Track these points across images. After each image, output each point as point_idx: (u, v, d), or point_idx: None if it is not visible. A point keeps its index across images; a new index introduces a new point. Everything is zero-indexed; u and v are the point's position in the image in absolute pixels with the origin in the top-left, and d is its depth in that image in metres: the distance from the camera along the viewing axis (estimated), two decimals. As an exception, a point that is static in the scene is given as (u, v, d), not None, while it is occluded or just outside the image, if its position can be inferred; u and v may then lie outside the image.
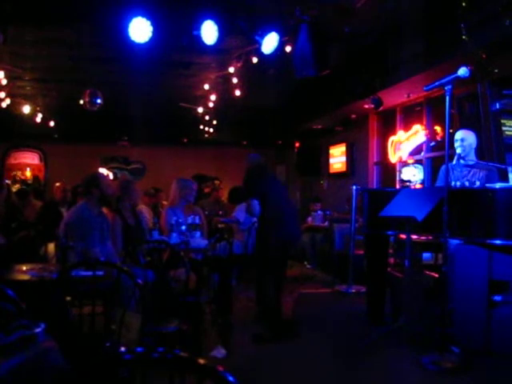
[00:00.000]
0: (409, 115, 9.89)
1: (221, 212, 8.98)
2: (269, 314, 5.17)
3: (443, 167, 5.10)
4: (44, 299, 3.17)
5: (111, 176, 14.99)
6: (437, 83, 4.13)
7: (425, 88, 4.41)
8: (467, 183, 4.89)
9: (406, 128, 9.79)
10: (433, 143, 9.18)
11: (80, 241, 4.30)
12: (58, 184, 8.66)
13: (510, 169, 4.55)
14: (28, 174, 15.40)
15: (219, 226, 8.06)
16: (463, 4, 5.93)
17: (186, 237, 5.47)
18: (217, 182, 11.09)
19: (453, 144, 5.17)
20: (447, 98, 4.06)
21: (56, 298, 3.09)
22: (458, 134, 5.19)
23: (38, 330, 1.69)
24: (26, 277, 3.52)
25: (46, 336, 1.72)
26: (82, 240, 4.32)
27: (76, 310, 3.07)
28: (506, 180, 4.64)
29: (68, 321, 3.08)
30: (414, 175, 9.44)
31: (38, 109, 11.83)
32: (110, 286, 3.19)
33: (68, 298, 3.26)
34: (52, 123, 12.81)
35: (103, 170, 15.29)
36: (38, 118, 12.01)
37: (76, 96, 9.36)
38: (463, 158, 5.07)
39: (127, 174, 15.81)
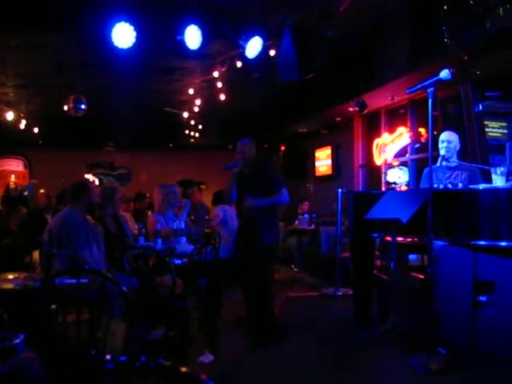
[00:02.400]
0: (393, 117, 9.95)
1: (207, 217, 8.95)
2: (264, 318, 5.04)
3: (426, 169, 5.14)
4: (28, 308, 3.14)
5: (97, 182, 14.92)
6: (419, 86, 4.15)
7: (407, 91, 4.45)
8: (450, 185, 4.92)
9: (391, 130, 9.85)
10: (417, 145, 9.24)
11: (65, 247, 4.27)
12: (42, 191, 8.60)
13: (492, 170, 4.57)
14: (13, 180, 15.26)
15: (206, 230, 8.03)
16: (445, 7, 5.98)
17: (171, 242, 5.46)
18: (203, 186, 11.06)
19: (437, 146, 5.20)
20: (430, 101, 4.09)
21: (40, 307, 3.06)
22: (444, 136, 5.22)
23: (17, 341, 1.67)
24: (9, 286, 3.48)
25: (26, 347, 1.71)
26: (68, 246, 4.28)
27: (61, 318, 3.04)
28: (490, 181, 4.67)
29: (53, 329, 3.05)
30: (399, 177, 9.50)
31: (22, 115, 11.73)
32: (95, 294, 3.17)
33: (53, 306, 3.23)
34: (36, 129, 12.71)
35: (89, 176, 15.21)
36: (22, 124, 11.91)
37: (60, 102, 9.30)
38: (447, 160, 5.10)
39: (113, 179, 15.75)
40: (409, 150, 9.43)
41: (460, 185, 4.91)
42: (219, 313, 5.74)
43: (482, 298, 4.32)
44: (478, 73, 6.50)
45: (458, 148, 5.20)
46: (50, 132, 13.24)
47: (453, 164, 5.17)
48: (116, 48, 5.85)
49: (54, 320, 3.08)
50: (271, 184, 5.02)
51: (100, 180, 15.47)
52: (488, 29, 5.42)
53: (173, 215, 5.89)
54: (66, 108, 9.10)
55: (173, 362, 1.35)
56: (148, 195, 9.14)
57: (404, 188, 8.97)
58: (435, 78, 4.09)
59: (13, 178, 15.25)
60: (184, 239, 5.74)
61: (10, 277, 3.74)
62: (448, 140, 5.16)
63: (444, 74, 4.10)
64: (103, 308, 3.23)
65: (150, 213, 7.71)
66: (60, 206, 7.97)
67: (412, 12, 6.45)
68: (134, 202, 8.46)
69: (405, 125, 9.40)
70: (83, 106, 9.05)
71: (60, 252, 4.22)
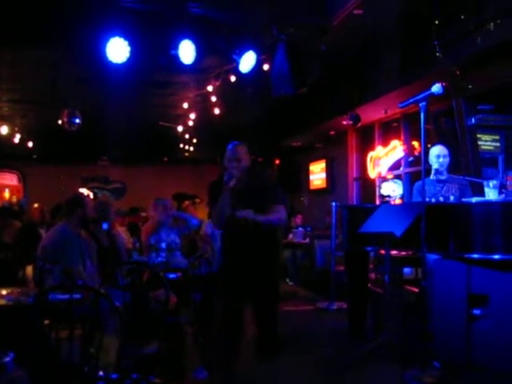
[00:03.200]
0: (387, 131, 10.00)
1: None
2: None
3: (418, 183, 5.18)
4: (21, 324, 3.12)
5: (91, 196, 14.89)
6: (411, 100, 4.18)
7: (400, 105, 4.47)
8: (441, 198, 4.95)
9: (385, 143, 9.89)
10: (411, 158, 9.29)
11: (59, 262, 4.25)
12: (36, 205, 8.57)
13: (485, 183, 4.60)
14: (6, 195, 15.21)
15: (199, 243, 8.02)
16: (436, 22, 6.04)
17: (166, 257, 5.45)
18: (197, 200, 11.06)
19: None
20: (422, 115, 4.12)
21: (33, 323, 3.04)
22: (440, 150, 5.25)
23: (7, 359, 1.66)
24: (2, 301, 3.46)
25: (15, 365, 1.70)
26: (62, 261, 4.26)
27: (54, 334, 3.02)
28: (482, 194, 4.69)
29: (46, 345, 3.03)
30: (393, 190, 9.52)
31: (17, 129, 11.73)
32: (88, 309, 3.15)
33: (46, 322, 3.21)
34: (31, 144, 12.71)
35: (83, 190, 15.19)
36: (17, 138, 11.91)
37: (55, 116, 9.31)
38: (441, 173, 5.14)
39: (108, 193, 15.73)
40: (403, 163, 9.46)
41: (452, 198, 4.94)
42: (212, 328, 5.71)
43: (476, 311, 4.32)
44: (469, 87, 6.56)
45: (446, 161, 5.26)
46: (44, 146, 13.25)
47: (442, 177, 5.21)
48: (110, 63, 5.88)
49: (47, 336, 3.06)
50: (273, 202, 4.19)
51: (95, 194, 15.43)
52: (479, 44, 5.47)
53: (167, 229, 5.88)
54: (60, 122, 9.11)
55: (165, 378, 1.35)
56: (143, 209, 9.12)
57: (398, 201, 8.99)
58: (427, 93, 4.12)
59: (7, 192, 15.21)
60: (178, 253, 5.73)
61: (3, 292, 3.72)
62: (444, 155, 5.21)
63: (436, 88, 4.13)
64: (96, 324, 3.22)
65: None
66: (54, 221, 7.95)
67: (404, 26, 6.50)
68: (128, 216, 8.45)
69: (398, 138, 9.45)
70: (77, 120, 9.06)
71: (53, 267, 4.21)
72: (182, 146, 13.59)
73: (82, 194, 6.00)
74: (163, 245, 5.61)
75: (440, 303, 4.47)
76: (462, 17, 5.75)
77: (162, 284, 4.15)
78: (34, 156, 14.32)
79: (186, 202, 9.22)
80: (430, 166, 5.26)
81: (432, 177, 5.23)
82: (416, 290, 5.17)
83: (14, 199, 14.88)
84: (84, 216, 4.59)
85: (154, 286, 4.55)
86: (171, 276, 4.81)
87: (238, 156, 4.10)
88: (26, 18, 6.02)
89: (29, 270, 5.91)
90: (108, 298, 3.02)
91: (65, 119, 9.03)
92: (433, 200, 4.95)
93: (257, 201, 4.11)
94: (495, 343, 4.21)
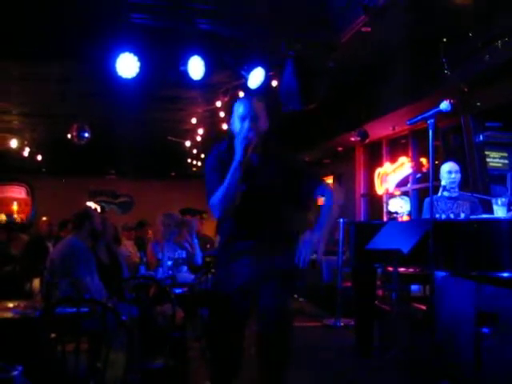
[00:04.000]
0: (395, 147, 10.00)
1: (208, 245, 8.93)
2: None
3: (427, 199, 5.16)
4: (28, 337, 3.12)
5: (99, 209, 14.93)
6: (419, 117, 4.18)
7: (408, 122, 4.47)
8: (452, 215, 4.92)
9: (393, 160, 9.89)
10: (419, 175, 9.27)
11: (67, 276, 4.27)
12: (44, 218, 8.61)
13: (493, 200, 4.58)
14: (15, 208, 15.29)
15: (207, 259, 8.01)
16: (444, 39, 6.06)
17: (172, 271, 5.44)
18: (204, 215, 11.06)
19: (437, 176, 5.22)
20: (430, 132, 4.11)
21: (40, 336, 3.04)
22: (452, 167, 5.24)
23: (15, 372, 1.66)
24: (9, 314, 3.46)
25: (23, 379, 1.69)
26: (71, 274, 4.28)
27: (60, 348, 3.01)
28: (491, 212, 4.67)
29: (52, 359, 3.02)
30: (401, 207, 9.49)
31: (26, 143, 11.82)
32: (95, 324, 3.15)
33: (53, 335, 3.21)
34: (39, 157, 12.79)
35: (91, 204, 15.24)
36: (26, 152, 11.99)
37: (64, 130, 9.38)
38: (448, 190, 5.12)
39: (115, 207, 15.77)
40: (410, 179, 9.45)
41: (462, 215, 4.91)
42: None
43: (485, 330, 4.28)
44: (478, 104, 6.57)
45: (457, 178, 5.24)
46: (53, 159, 13.33)
47: (454, 194, 5.19)
48: (120, 78, 5.93)
49: (53, 350, 3.05)
50: (317, 182, 3.23)
51: (102, 208, 15.47)
52: (487, 61, 5.48)
53: (173, 244, 5.88)
54: (69, 136, 9.17)
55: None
56: (149, 225, 9.10)
57: (406, 218, 8.96)
58: (435, 110, 4.11)
59: (15, 205, 15.28)
60: (185, 268, 5.73)
61: (10, 305, 3.72)
62: (456, 171, 5.21)
63: (444, 105, 4.13)
64: (103, 338, 3.21)
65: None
66: (61, 234, 7.98)
67: (412, 43, 6.53)
68: (135, 231, 8.45)
69: (406, 154, 9.44)
70: (86, 135, 9.12)
71: (61, 280, 4.22)
72: (189, 161, 13.63)
73: (89, 207, 6.00)
74: (170, 259, 5.60)
75: (448, 321, 4.43)
76: (470, 34, 5.76)
77: (168, 299, 4.15)
78: (43, 169, 14.41)
79: (195, 218, 9.21)
80: (440, 182, 5.25)
81: (442, 193, 5.22)
82: (424, 307, 5.14)
83: (21, 214, 14.96)
84: (93, 229, 4.63)
85: (160, 300, 4.55)
86: (178, 291, 4.80)
87: (255, 113, 3.00)
88: (36, 33, 6.10)
89: (36, 283, 5.92)
90: (115, 312, 3.01)
91: (74, 133, 9.09)
92: (443, 216, 4.93)
93: (282, 182, 3.03)
94: (504, 362, 4.16)
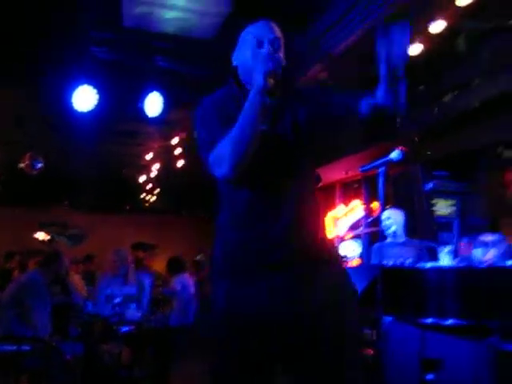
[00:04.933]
0: (348, 191, 10.17)
1: (160, 282, 8.80)
2: None
3: (376, 245, 5.28)
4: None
5: (48, 239, 14.59)
6: (370, 166, 4.29)
7: (360, 169, 4.59)
8: (398, 261, 5.03)
9: (346, 203, 10.04)
10: (370, 219, 9.42)
11: (15, 306, 4.22)
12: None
13: (439, 248, 4.71)
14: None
15: (159, 297, 7.88)
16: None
17: (120, 308, 5.34)
18: (156, 250, 10.95)
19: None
20: (380, 180, 4.22)
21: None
22: (387, 213, 5.40)
23: None
24: None
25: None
26: (21, 304, 4.24)
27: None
28: (436, 259, 4.79)
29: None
30: (353, 250, 9.60)
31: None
32: (37, 362, 3.07)
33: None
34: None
35: (41, 234, 14.86)
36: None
37: (16, 158, 9.19)
38: (395, 237, 5.25)
39: (65, 239, 15.43)
40: (363, 223, 9.59)
41: (408, 261, 5.02)
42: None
43: (429, 377, 4.33)
44: (428, 153, 6.80)
45: (402, 224, 5.38)
46: (3, 189, 12.97)
47: (400, 240, 5.32)
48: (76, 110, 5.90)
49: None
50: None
51: (52, 238, 15.11)
52: (435, 114, 5.72)
53: (122, 280, 5.79)
54: (21, 165, 8.99)
55: None
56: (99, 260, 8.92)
57: (356, 261, 9.06)
58: (386, 159, 4.22)
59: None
60: (134, 305, 5.62)
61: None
62: (387, 217, 5.35)
63: (395, 154, 4.24)
64: (44, 376, 3.12)
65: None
66: (7, 265, 7.74)
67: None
68: (83, 264, 8.29)
69: (360, 198, 9.61)
70: (40, 165, 8.97)
71: (8, 311, 4.15)
72: (144, 195, 13.55)
73: (60, 252, 5.71)
74: (118, 296, 5.50)
75: (394, 366, 4.47)
76: (420, 88, 6.01)
77: (114, 337, 4.07)
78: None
79: (142, 253, 9.04)
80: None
81: (388, 239, 5.34)
82: (371, 351, 5.17)
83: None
84: (57, 272, 4.76)
85: (106, 338, 4.46)
86: (124, 329, 4.72)
87: (278, 36, 2.19)
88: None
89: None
90: (58, 351, 2.95)
91: (26, 162, 8.92)
92: (390, 262, 5.02)
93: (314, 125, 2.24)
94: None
